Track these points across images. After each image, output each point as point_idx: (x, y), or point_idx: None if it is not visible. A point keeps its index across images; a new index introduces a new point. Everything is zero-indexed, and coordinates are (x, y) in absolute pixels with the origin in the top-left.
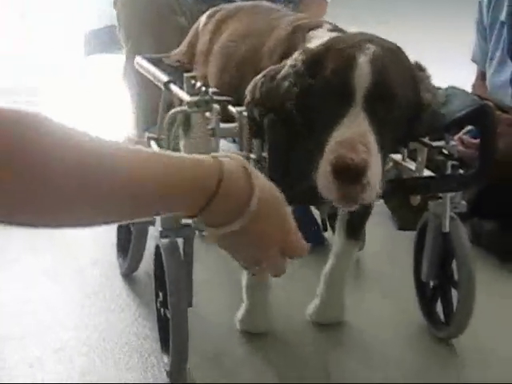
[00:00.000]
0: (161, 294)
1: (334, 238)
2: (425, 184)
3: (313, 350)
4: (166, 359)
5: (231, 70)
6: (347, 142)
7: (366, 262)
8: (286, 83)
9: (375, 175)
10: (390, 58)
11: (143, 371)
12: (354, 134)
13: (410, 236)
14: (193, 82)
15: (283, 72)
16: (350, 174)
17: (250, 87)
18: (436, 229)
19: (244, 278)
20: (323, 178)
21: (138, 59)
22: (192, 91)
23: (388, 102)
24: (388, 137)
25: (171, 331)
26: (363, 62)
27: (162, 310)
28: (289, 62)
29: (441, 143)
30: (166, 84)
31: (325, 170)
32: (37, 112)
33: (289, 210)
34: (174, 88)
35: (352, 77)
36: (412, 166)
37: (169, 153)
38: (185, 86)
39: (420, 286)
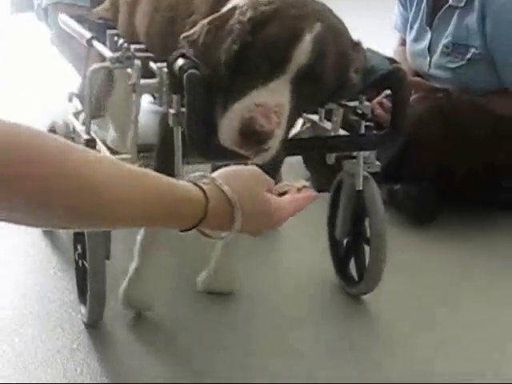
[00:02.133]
0: (79, 247)
1: None
2: (339, 142)
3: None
4: (83, 310)
5: (159, 18)
6: (265, 106)
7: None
8: (229, 41)
9: (275, 143)
10: (332, 39)
11: (61, 322)
12: (273, 100)
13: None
14: (115, 38)
15: (228, 27)
16: (254, 137)
17: (190, 32)
18: (350, 187)
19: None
20: (229, 129)
21: (62, 16)
22: (114, 48)
23: (315, 82)
24: (303, 107)
25: (88, 282)
26: (307, 43)
27: (80, 261)
28: (237, 12)
29: (355, 103)
30: (89, 41)
31: (233, 122)
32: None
33: (266, 200)
34: (96, 44)
35: (292, 51)
36: (328, 126)
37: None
38: (107, 42)
39: (334, 244)
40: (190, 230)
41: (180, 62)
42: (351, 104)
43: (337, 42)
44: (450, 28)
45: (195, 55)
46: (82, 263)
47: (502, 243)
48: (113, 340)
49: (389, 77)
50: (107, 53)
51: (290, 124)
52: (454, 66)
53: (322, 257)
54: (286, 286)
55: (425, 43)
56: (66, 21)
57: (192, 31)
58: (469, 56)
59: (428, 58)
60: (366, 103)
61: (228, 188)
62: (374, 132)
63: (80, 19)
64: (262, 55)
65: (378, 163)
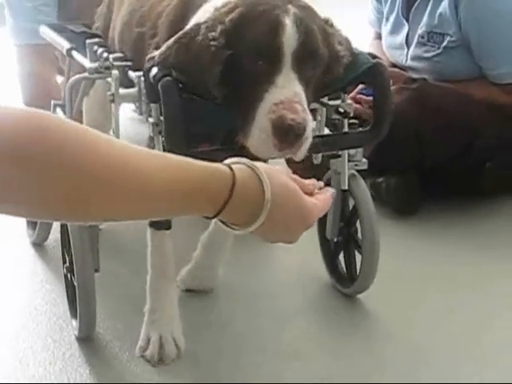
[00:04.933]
0: (67, 260)
1: None
2: (323, 142)
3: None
4: (74, 323)
5: (129, 33)
6: (285, 102)
7: None
8: (208, 62)
9: (310, 131)
10: (309, 17)
11: (52, 334)
12: (289, 94)
13: None
14: (95, 48)
15: (198, 44)
16: (291, 134)
17: (155, 54)
18: (338, 186)
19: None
20: (261, 138)
21: (42, 28)
22: (94, 57)
23: (313, 59)
24: (311, 92)
25: (78, 296)
26: (289, 24)
27: (68, 275)
28: (203, 27)
29: (337, 102)
30: (69, 51)
31: (264, 130)
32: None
33: (301, 197)
34: (76, 55)
35: (280, 40)
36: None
37: (181, 158)
38: (87, 52)
39: (324, 243)
40: (215, 216)
41: (154, 70)
42: (333, 103)
43: (312, 19)
44: (425, 18)
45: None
46: (71, 276)
47: (486, 231)
48: (105, 350)
49: (370, 72)
50: (86, 63)
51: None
52: (430, 55)
53: (313, 255)
54: (277, 284)
55: (402, 35)
56: (45, 32)
57: (157, 53)
58: (444, 44)
59: (405, 50)
60: (348, 101)
61: (259, 166)
62: (359, 129)
63: (60, 29)
64: (252, 59)
65: (364, 160)
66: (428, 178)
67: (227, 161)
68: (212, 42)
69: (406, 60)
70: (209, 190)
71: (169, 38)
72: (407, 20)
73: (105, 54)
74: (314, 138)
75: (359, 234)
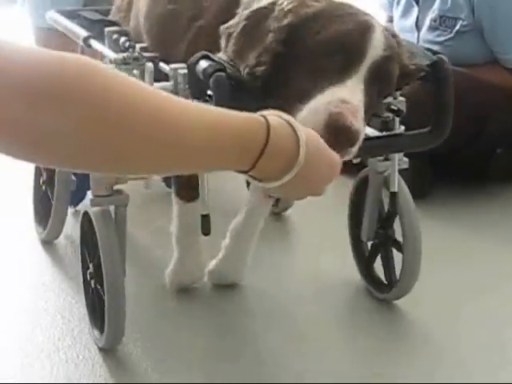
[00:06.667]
0: (91, 266)
1: (248, 194)
2: (372, 145)
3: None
4: (97, 334)
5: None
6: (351, 104)
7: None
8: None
9: (358, 145)
10: (390, 37)
11: (61, 311)
12: (355, 98)
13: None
14: (115, 36)
15: (267, 26)
16: (343, 136)
17: (230, 31)
18: (377, 187)
19: (174, 226)
20: (314, 121)
21: (52, 14)
22: (115, 47)
23: (385, 81)
24: (371, 108)
25: (107, 304)
26: (379, 32)
27: (91, 282)
28: (276, 10)
29: (389, 99)
30: (86, 40)
31: (319, 116)
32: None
33: (330, 151)
34: (95, 44)
35: (369, 42)
36: None
37: (214, 107)
38: (106, 41)
39: (357, 246)
40: (249, 170)
41: (204, 63)
42: (385, 100)
43: (391, 36)
44: (437, 1)
45: (226, 52)
46: (95, 284)
47: (498, 216)
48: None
49: (433, 69)
50: (109, 53)
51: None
52: (442, 39)
53: (343, 258)
54: (304, 289)
55: (412, 18)
56: (56, 19)
57: (231, 22)
58: (457, 28)
59: (416, 34)
60: (401, 98)
61: (291, 119)
62: (414, 132)
63: (71, 16)
64: (328, 52)
65: (405, 159)
66: (438, 162)
67: (260, 112)
68: (271, 35)
69: (417, 43)
70: (245, 135)
71: (218, 25)
72: (417, 3)
73: (128, 44)
74: (368, 139)
75: (397, 236)
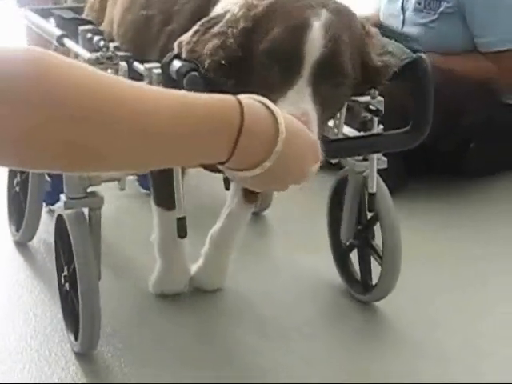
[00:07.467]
0: (65, 269)
1: (228, 197)
2: (350, 145)
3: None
4: (72, 338)
5: (131, 17)
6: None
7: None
8: (222, 40)
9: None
10: (343, 25)
11: (34, 309)
12: (297, 110)
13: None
14: (89, 35)
15: (218, 28)
16: None
17: (181, 39)
18: (356, 187)
19: (156, 235)
20: None
21: (26, 12)
22: (89, 46)
23: (336, 76)
24: (331, 106)
25: (81, 308)
26: (317, 30)
27: (66, 285)
28: (227, 16)
29: (367, 98)
30: (59, 38)
31: None
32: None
33: (312, 137)
34: (68, 43)
35: (302, 46)
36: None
37: (183, 92)
38: (80, 40)
39: (337, 246)
40: (228, 159)
41: (177, 63)
42: (363, 99)
43: (349, 27)
44: None
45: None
46: (70, 288)
47: (471, 211)
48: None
49: (413, 66)
50: (83, 52)
51: (321, 129)
52: (425, 20)
53: (323, 259)
54: (286, 292)
55: (399, 2)
56: (30, 17)
57: (183, 42)
58: (441, 9)
59: (401, 17)
60: (379, 98)
61: (268, 102)
62: (393, 132)
63: (45, 14)
64: (268, 62)
65: (384, 159)
66: (411, 158)
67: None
68: (230, 26)
69: (403, 26)
70: (217, 115)
71: (188, 28)
72: None
73: (102, 43)
74: (347, 139)
75: (376, 240)
